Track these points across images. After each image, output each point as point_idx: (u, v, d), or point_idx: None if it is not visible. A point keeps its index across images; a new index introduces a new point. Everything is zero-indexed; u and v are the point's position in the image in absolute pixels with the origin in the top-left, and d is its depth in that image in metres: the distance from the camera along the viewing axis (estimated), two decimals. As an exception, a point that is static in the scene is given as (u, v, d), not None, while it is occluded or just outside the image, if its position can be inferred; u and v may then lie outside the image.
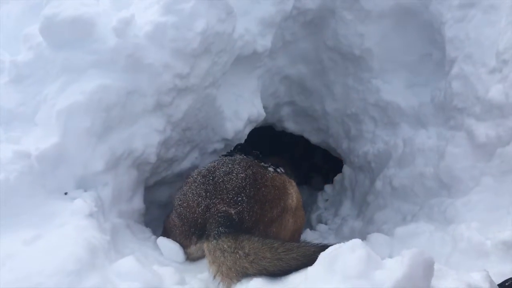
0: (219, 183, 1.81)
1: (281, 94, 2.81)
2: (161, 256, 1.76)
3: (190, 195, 1.81)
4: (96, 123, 1.82)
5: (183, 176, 2.24)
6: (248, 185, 1.81)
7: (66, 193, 1.74)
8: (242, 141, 2.45)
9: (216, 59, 2.12)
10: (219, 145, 2.36)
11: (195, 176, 1.89)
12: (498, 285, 1.27)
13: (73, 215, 1.61)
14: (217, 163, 1.94)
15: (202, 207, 1.75)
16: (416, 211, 2.18)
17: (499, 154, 1.90)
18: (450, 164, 2.07)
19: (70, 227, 1.54)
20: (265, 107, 2.55)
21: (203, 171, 1.91)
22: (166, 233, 1.92)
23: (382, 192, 2.47)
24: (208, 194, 1.78)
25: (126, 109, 1.90)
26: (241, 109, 2.36)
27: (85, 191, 1.78)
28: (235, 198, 1.76)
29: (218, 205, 1.74)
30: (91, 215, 1.64)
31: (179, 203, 1.84)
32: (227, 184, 1.80)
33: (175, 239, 1.84)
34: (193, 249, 1.79)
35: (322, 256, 1.24)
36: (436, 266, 1.14)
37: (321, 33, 2.55)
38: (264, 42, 2.30)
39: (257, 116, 2.40)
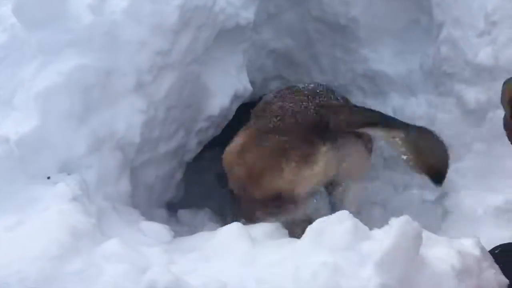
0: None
1: (268, 69, 2.75)
2: (148, 237, 1.72)
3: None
4: (76, 104, 1.77)
5: (169, 156, 2.20)
6: None
7: (48, 177, 1.70)
8: (230, 118, 2.41)
9: (197, 34, 2.06)
10: (205, 123, 2.31)
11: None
12: (489, 251, 1.25)
13: (56, 199, 1.57)
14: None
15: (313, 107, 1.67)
16: (408, 181, 2.16)
17: (490, 118, 1.87)
18: (441, 131, 2.02)
19: (53, 212, 1.50)
20: (252, 82, 2.49)
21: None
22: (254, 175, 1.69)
23: (374, 164, 2.44)
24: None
25: (106, 89, 1.85)
26: (227, 85, 2.31)
27: (69, 174, 1.74)
28: None
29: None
30: (75, 198, 1.60)
31: (277, 119, 1.68)
32: None
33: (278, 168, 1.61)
34: (323, 151, 1.61)
35: (309, 229, 1.22)
36: (425, 234, 1.12)
37: (305, 3, 2.48)
38: (247, 15, 2.24)
39: (243, 91, 2.35)
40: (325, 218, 1.22)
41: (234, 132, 2.66)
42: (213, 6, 2.05)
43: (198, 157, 2.49)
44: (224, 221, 2.35)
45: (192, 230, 2.16)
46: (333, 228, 1.16)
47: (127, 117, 1.92)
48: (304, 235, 1.23)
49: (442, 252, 1.12)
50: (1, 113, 1.78)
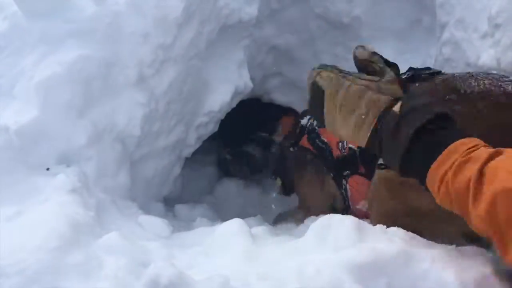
0: None
1: (268, 65, 2.74)
2: (147, 232, 1.72)
3: None
4: (77, 95, 1.75)
5: (168, 150, 2.19)
6: None
7: (48, 169, 1.69)
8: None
9: (200, 29, 2.05)
10: (205, 119, 2.30)
11: None
12: None
13: (55, 191, 1.55)
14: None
15: None
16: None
17: (491, 120, 1.87)
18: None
19: (53, 203, 1.49)
20: (252, 79, 2.49)
21: None
22: None
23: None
24: None
25: (107, 81, 1.84)
26: (228, 81, 2.30)
27: (68, 166, 1.72)
28: None
29: None
30: (74, 190, 1.59)
31: None
32: None
33: None
34: None
35: (313, 226, 1.22)
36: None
37: (309, 0, 2.48)
38: (251, 10, 2.23)
39: (244, 87, 2.35)
40: (329, 215, 1.22)
41: (233, 129, 2.66)
42: (217, 0, 2.04)
43: (195, 153, 2.48)
44: (221, 217, 2.35)
45: (189, 225, 2.16)
46: (337, 225, 1.16)
47: (128, 109, 1.91)
48: (307, 232, 1.23)
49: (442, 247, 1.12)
50: (1, 103, 1.76)
